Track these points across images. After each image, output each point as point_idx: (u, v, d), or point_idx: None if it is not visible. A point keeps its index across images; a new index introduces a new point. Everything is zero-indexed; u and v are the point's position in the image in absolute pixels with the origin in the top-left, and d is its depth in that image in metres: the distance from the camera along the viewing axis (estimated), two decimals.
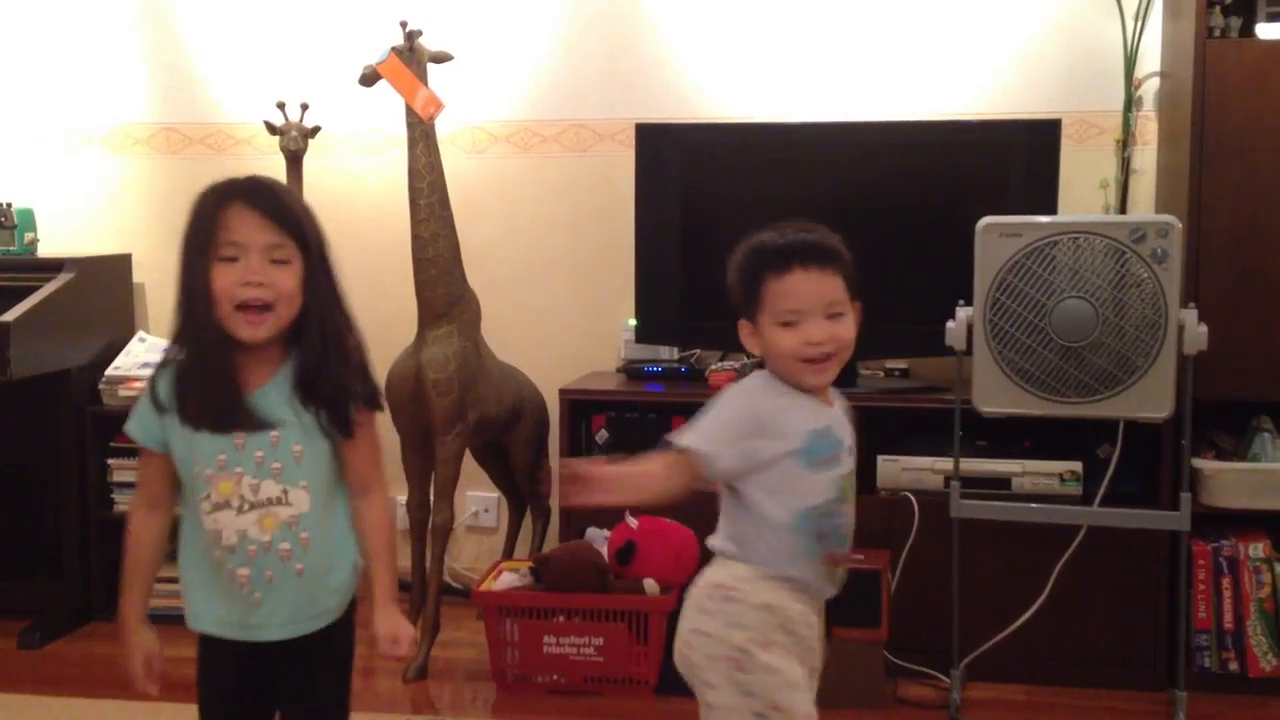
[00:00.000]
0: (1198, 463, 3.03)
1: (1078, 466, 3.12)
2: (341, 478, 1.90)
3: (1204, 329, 2.75)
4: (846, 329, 1.88)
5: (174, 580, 3.95)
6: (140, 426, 1.87)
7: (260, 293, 1.78)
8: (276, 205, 1.81)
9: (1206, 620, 3.09)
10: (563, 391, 3.39)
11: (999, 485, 3.12)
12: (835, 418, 1.94)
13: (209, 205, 1.80)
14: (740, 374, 3.40)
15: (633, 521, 3.16)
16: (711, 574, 1.95)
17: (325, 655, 1.92)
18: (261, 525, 1.82)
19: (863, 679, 2.99)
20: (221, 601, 1.88)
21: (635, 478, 1.88)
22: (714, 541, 1.96)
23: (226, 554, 1.83)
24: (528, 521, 3.73)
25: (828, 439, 1.90)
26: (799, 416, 1.89)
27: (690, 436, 1.87)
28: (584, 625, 3.09)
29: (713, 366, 3.48)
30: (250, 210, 1.79)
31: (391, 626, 1.89)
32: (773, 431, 1.88)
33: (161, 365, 1.87)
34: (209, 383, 1.81)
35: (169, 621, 3.84)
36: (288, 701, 1.94)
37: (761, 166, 3.45)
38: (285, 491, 1.83)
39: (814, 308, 1.86)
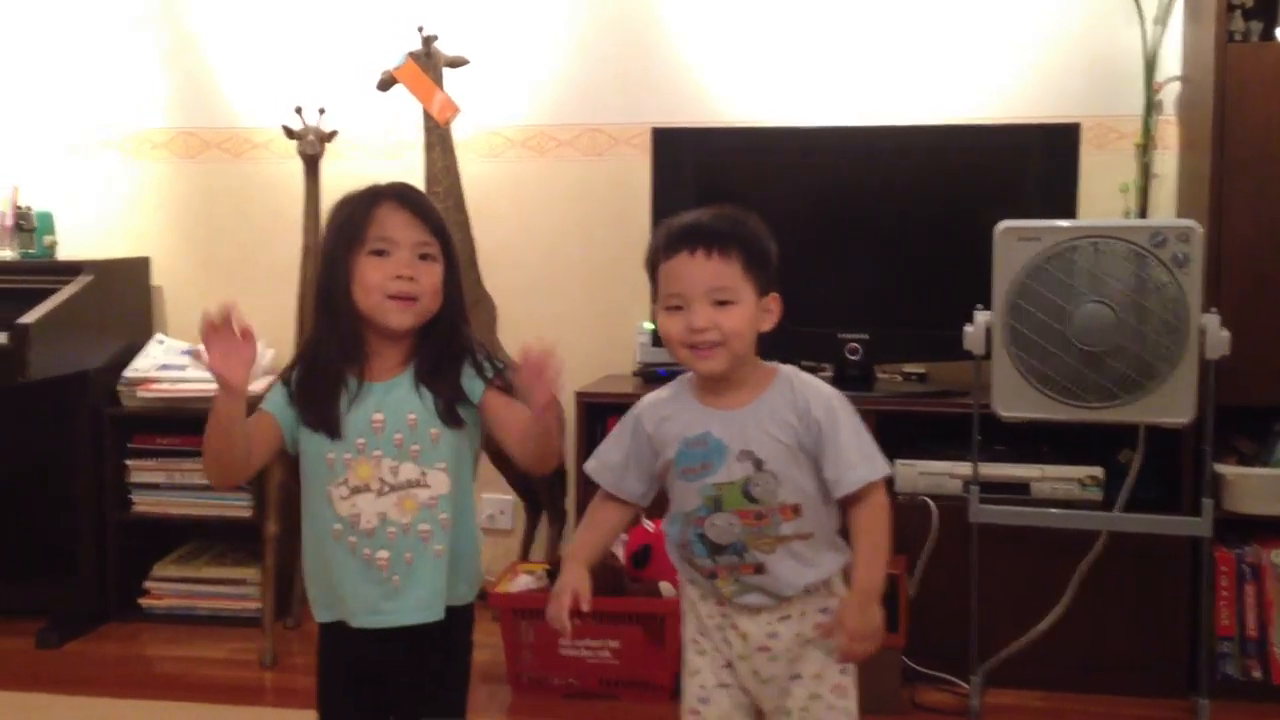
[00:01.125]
0: (1220, 468, 3.01)
1: (1098, 472, 3.11)
2: (472, 478, 1.97)
3: (1225, 334, 2.73)
4: (734, 317, 1.80)
5: (192, 580, 3.94)
6: (273, 400, 1.93)
7: (409, 286, 1.87)
8: (425, 206, 1.92)
9: (1229, 627, 3.07)
10: (579, 394, 3.39)
11: (1018, 490, 3.11)
12: (727, 421, 1.85)
13: (360, 204, 1.90)
14: None
15: (649, 524, 3.15)
16: None
17: (452, 643, 1.97)
18: (401, 507, 1.87)
19: (880, 684, 2.97)
20: (354, 589, 1.89)
21: (588, 549, 1.94)
22: None
23: (364, 538, 1.87)
24: (543, 524, 3.73)
25: (701, 447, 1.85)
26: (679, 424, 1.88)
27: (590, 461, 1.96)
28: (600, 628, 3.09)
29: None
30: (401, 209, 1.89)
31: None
32: (659, 445, 1.90)
33: (296, 361, 1.96)
34: (340, 371, 1.88)
35: (185, 621, 3.85)
36: (410, 690, 1.96)
37: (778, 170, 3.44)
38: (424, 474, 1.88)
39: (697, 293, 1.80)
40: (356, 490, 1.87)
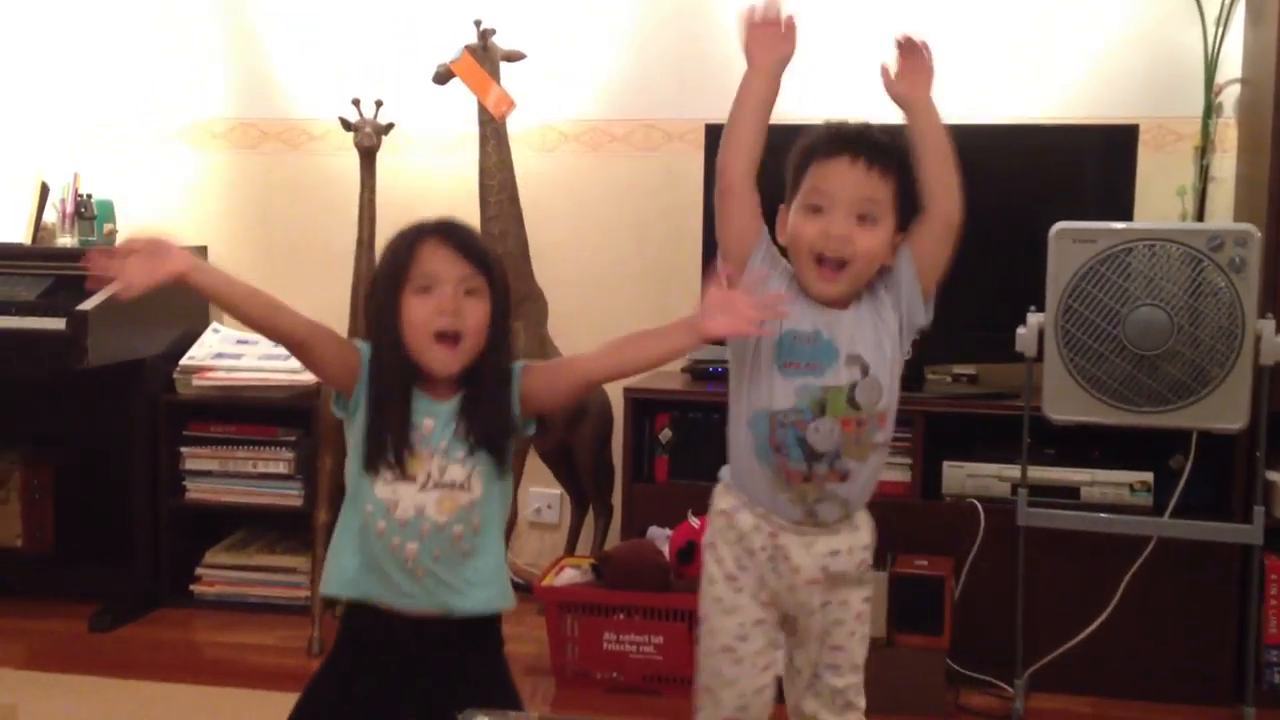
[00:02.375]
0: (1272, 475, 2.97)
1: (1148, 477, 3.08)
2: (509, 502, 1.98)
3: None
4: (871, 238, 1.75)
5: (242, 568, 3.98)
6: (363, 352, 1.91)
7: (453, 321, 1.84)
8: (469, 241, 1.90)
9: (1277, 636, 3.03)
10: (627, 390, 3.40)
11: (1067, 494, 3.08)
12: (836, 322, 1.80)
13: (403, 242, 1.88)
14: None
15: (695, 521, 3.16)
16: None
17: (487, 646, 1.95)
18: (440, 506, 1.87)
19: (924, 686, 2.96)
20: (377, 573, 1.90)
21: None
22: None
23: (395, 526, 1.87)
24: (590, 519, 3.74)
25: (811, 344, 1.79)
26: (790, 307, 1.79)
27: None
28: (644, 623, 3.10)
29: None
30: (445, 245, 1.87)
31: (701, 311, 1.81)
32: (764, 274, 1.81)
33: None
34: (387, 418, 1.86)
35: (235, 608, 3.89)
36: (444, 689, 1.92)
37: None
38: (469, 477, 1.87)
39: (844, 201, 1.74)
40: (400, 479, 1.87)
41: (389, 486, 1.87)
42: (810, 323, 1.80)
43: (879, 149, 1.76)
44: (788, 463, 1.82)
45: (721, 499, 1.92)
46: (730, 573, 1.90)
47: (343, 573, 1.92)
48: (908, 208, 1.78)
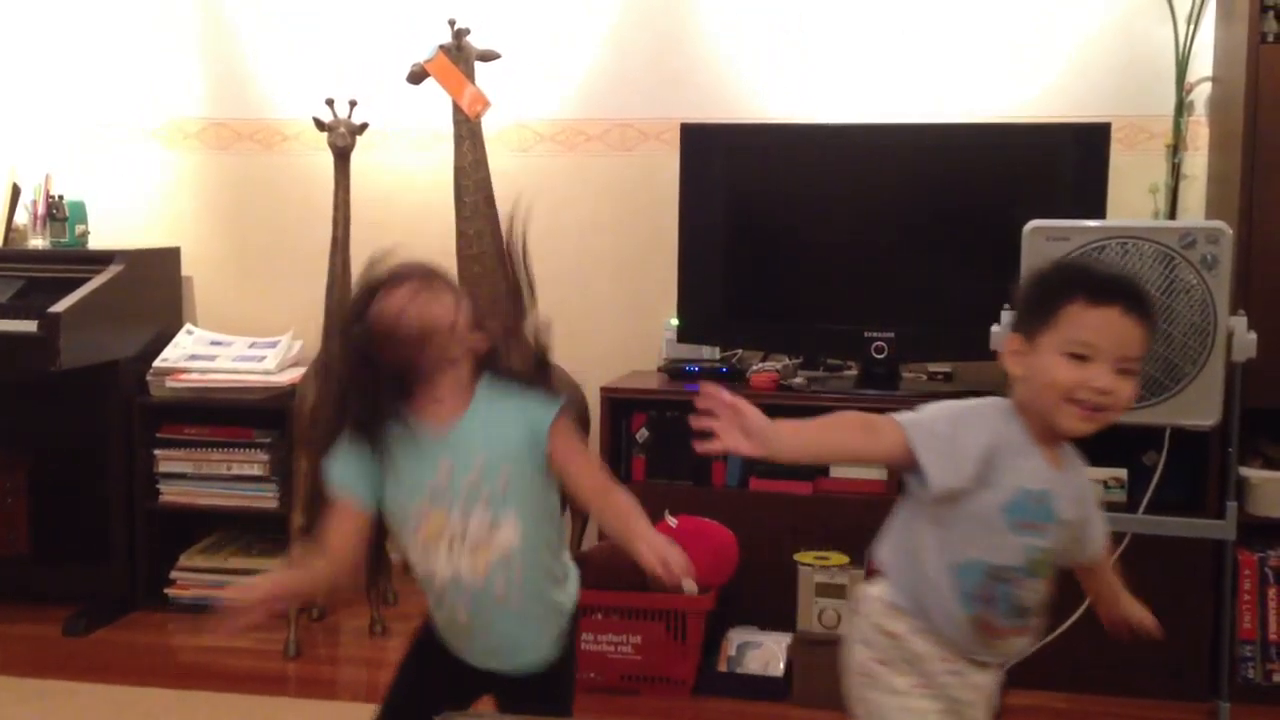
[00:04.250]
0: (1245, 471, 3.00)
1: (1122, 473, 3.09)
2: (555, 512, 1.91)
3: (1253, 336, 2.72)
4: (1129, 388, 1.70)
5: (218, 571, 3.96)
6: (346, 473, 1.82)
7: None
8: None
9: (1251, 630, 3.06)
10: (604, 389, 3.40)
11: None
12: (1060, 484, 1.75)
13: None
14: (782, 376, 3.39)
15: (672, 521, 3.16)
16: (871, 585, 1.86)
17: (548, 687, 1.95)
18: (474, 566, 1.80)
19: None
20: (441, 626, 1.91)
21: (806, 430, 1.71)
22: (878, 549, 1.85)
23: (439, 591, 1.84)
24: (567, 519, 3.74)
25: (1040, 505, 1.73)
26: (1022, 467, 1.73)
27: (910, 417, 1.72)
28: (622, 623, 3.10)
29: (754, 367, 3.47)
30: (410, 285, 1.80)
31: (658, 548, 1.77)
32: (990, 473, 1.71)
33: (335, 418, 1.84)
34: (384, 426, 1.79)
35: (209, 611, 3.86)
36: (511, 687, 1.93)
37: (806, 167, 3.44)
38: (497, 523, 1.80)
39: (1111, 354, 1.68)
40: (430, 540, 1.80)
41: (422, 552, 1.82)
42: (1042, 482, 1.75)
43: (1144, 302, 1.72)
44: (994, 616, 1.77)
45: (890, 620, 1.81)
46: (916, 683, 1.81)
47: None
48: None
